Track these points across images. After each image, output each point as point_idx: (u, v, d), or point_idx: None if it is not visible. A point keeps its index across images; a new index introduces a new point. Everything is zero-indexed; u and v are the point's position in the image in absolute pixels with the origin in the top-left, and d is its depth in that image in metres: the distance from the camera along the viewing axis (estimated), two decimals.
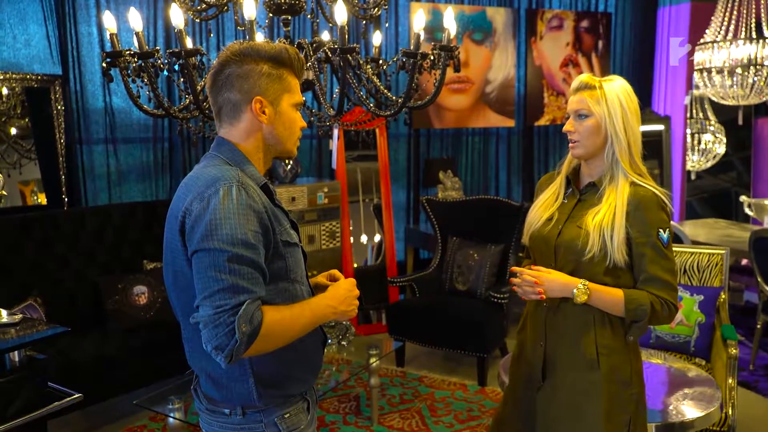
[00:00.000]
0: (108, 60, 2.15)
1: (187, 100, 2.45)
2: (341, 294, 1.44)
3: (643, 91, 6.34)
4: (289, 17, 2.51)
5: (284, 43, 2.53)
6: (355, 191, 5.00)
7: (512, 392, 1.97)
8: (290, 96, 1.42)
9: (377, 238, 5.13)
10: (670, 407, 2.22)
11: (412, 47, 2.19)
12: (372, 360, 3.21)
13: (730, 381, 2.62)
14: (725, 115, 5.47)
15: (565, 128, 1.77)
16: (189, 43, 2.05)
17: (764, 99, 4.34)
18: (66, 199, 3.98)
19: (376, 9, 2.69)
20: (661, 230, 1.68)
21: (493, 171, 5.86)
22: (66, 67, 3.95)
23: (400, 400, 3.60)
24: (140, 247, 3.81)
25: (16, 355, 1.91)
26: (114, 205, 3.93)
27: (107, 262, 3.66)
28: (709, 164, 5.51)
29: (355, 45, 2.05)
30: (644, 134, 1.82)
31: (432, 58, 2.28)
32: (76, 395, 1.99)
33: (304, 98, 1.49)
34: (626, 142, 1.72)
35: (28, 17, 3.79)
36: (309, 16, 2.68)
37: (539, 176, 5.99)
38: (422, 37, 2.19)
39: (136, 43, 2.11)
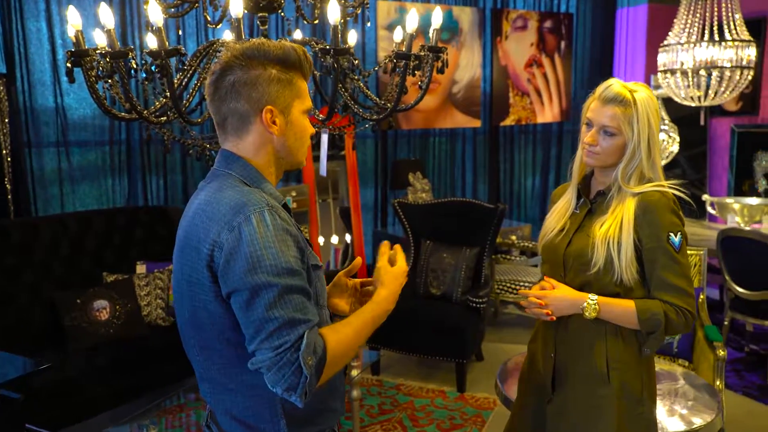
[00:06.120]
0: (72, 60, 1.95)
1: (158, 103, 2.27)
2: (398, 281, 1.38)
3: None
4: (267, 15, 2.37)
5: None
6: (322, 191, 4.87)
7: (522, 405, 1.92)
8: (301, 102, 1.29)
9: (343, 240, 4.99)
10: (673, 416, 2.19)
11: (404, 49, 2.09)
12: (353, 372, 3.09)
13: (718, 383, 2.63)
14: (678, 113, 5.60)
15: (586, 140, 1.69)
16: (153, 42, 1.88)
17: (725, 99, 4.44)
18: (13, 208, 3.69)
19: (359, 8, 2.58)
20: (671, 234, 1.61)
21: (459, 172, 5.82)
22: (11, 64, 3.66)
23: (379, 411, 3.50)
24: (99, 259, 3.56)
25: None
26: (70, 213, 3.66)
27: (63, 275, 3.41)
28: (663, 162, 5.61)
29: (349, 46, 1.93)
30: None
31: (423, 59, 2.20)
32: None
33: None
34: (647, 158, 1.66)
35: None
36: (285, 17, 2.54)
37: (505, 177, 6.00)
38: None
39: (97, 41, 1.93)
